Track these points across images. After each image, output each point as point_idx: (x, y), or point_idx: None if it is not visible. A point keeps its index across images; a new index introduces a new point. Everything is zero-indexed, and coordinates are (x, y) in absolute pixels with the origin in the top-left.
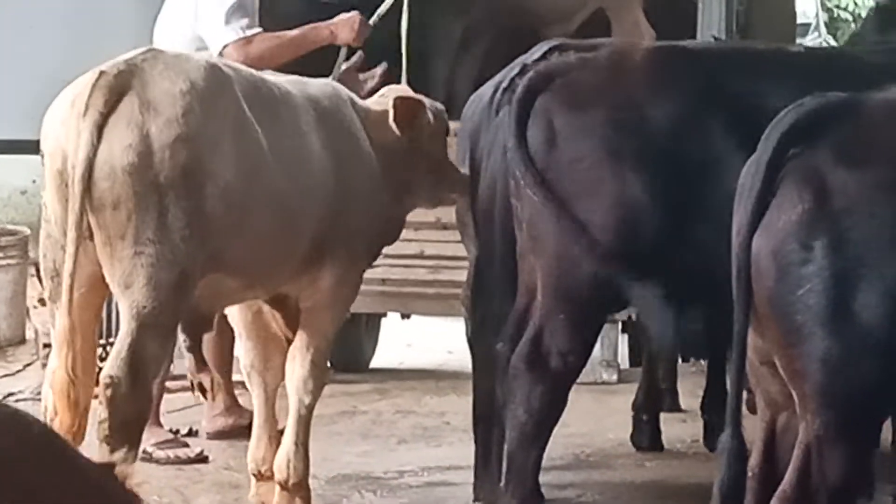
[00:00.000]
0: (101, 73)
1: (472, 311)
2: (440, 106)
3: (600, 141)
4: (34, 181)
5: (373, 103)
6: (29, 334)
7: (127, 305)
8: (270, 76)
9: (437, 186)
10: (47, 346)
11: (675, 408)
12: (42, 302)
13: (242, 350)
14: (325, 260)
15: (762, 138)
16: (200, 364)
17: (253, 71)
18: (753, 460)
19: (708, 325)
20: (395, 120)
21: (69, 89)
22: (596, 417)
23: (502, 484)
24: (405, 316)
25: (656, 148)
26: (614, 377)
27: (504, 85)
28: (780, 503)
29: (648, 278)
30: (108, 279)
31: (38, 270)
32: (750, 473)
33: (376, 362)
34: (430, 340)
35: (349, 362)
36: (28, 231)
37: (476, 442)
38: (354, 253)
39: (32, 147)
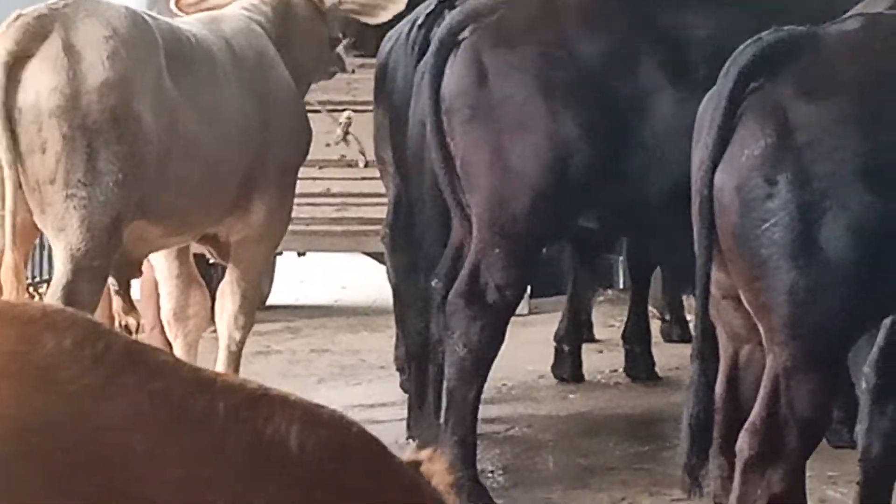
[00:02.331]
0: (19, 15)
1: (394, 249)
2: None
3: (531, 77)
4: None
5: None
6: None
7: (61, 248)
8: (186, 18)
9: (322, 64)
10: None
11: (591, 338)
12: None
13: (163, 297)
14: (254, 196)
15: (721, 73)
16: (129, 305)
17: (170, 20)
18: (717, 393)
19: (635, 257)
20: None
21: None
22: (513, 350)
23: (441, 420)
24: (301, 253)
25: (587, 83)
26: (525, 309)
27: (420, 21)
28: (749, 436)
29: (581, 211)
30: (40, 225)
31: None
32: (715, 406)
33: (271, 299)
34: (322, 276)
35: None
36: None
37: (410, 380)
38: (286, 187)
39: None
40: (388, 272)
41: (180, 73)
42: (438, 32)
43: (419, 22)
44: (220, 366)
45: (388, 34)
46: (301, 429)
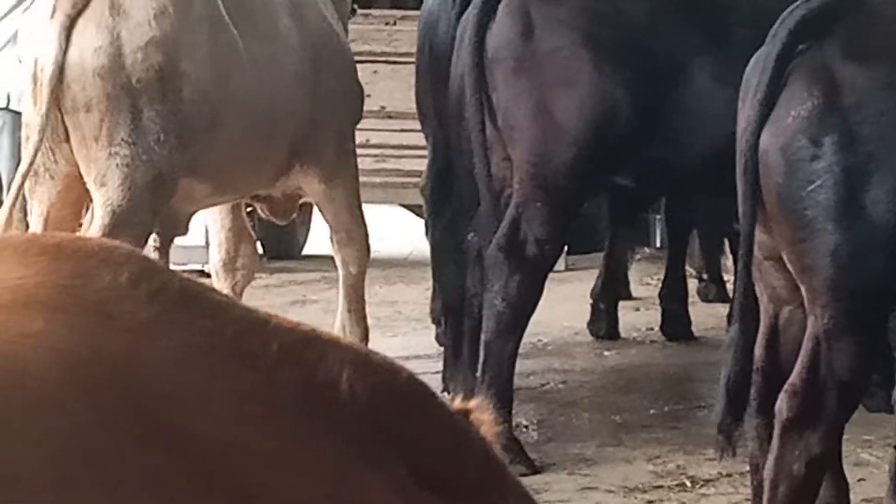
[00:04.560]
0: None
1: (433, 202)
2: None
3: (578, 31)
4: None
5: None
6: None
7: (101, 203)
8: None
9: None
10: None
11: (627, 296)
12: None
13: (213, 246)
14: (309, 165)
15: (770, 34)
16: (164, 264)
17: None
18: (756, 354)
19: (672, 216)
20: None
21: None
22: (549, 306)
23: (479, 373)
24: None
25: (633, 39)
26: (562, 265)
27: None
28: (788, 397)
29: (621, 168)
30: (85, 179)
31: None
32: (753, 367)
33: (308, 249)
34: None
35: (282, 249)
36: None
37: (446, 333)
38: (342, 152)
39: None
40: (425, 225)
41: (240, 29)
42: None
43: None
44: (342, 298)
45: None
46: (352, 372)
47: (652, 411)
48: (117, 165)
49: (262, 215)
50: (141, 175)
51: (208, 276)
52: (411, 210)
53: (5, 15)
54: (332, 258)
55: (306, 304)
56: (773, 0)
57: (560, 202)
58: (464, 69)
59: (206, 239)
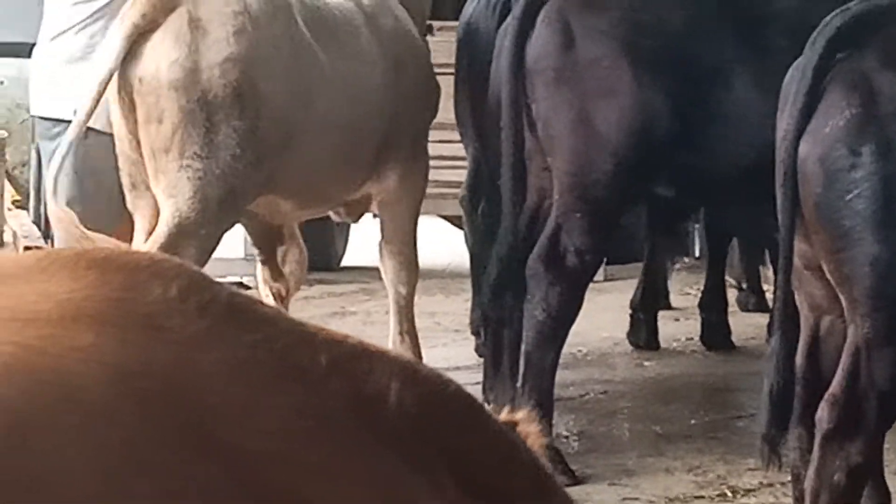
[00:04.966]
0: None
1: (473, 213)
2: None
3: (618, 42)
4: (2, 82)
5: None
6: (6, 237)
7: (169, 213)
8: None
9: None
10: (28, 248)
11: (667, 306)
12: (15, 204)
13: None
14: (387, 164)
15: (808, 43)
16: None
17: None
18: (797, 364)
19: (712, 225)
20: None
21: None
22: (589, 316)
23: (519, 384)
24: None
25: (673, 49)
26: (601, 276)
27: None
28: (829, 406)
29: (661, 178)
30: (154, 190)
31: (7, 174)
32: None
33: (346, 260)
34: None
35: (321, 261)
36: (6, 134)
37: (486, 344)
38: (418, 149)
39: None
40: (465, 236)
41: (323, 48)
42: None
43: None
44: (392, 321)
45: None
46: (400, 384)
47: (692, 421)
48: (189, 178)
49: (337, 218)
50: (214, 189)
51: (248, 287)
52: (450, 221)
53: (71, 27)
54: (370, 269)
55: (346, 315)
56: (811, 9)
57: (600, 212)
58: (503, 79)
59: (245, 250)
